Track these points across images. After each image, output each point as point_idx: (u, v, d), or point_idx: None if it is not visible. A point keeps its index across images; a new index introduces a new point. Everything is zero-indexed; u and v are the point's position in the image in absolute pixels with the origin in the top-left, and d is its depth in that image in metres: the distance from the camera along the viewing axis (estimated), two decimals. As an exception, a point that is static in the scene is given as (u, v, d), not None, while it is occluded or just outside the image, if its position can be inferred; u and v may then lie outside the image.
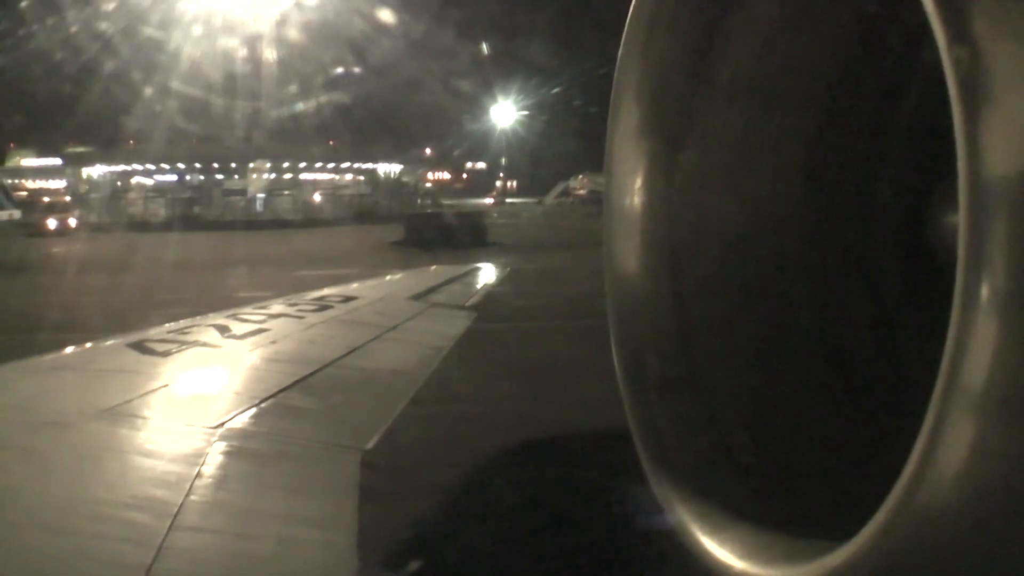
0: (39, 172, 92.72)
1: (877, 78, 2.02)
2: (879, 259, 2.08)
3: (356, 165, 76.94)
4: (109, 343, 4.62)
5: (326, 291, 7.22)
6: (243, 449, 3.12)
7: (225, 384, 4.04)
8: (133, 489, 2.67)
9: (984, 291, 1.13)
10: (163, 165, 74.47)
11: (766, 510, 1.81)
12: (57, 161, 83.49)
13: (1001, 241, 1.13)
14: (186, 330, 4.94)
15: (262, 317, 5.53)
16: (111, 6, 57.33)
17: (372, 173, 79.26)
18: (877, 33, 1.96)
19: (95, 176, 75.59)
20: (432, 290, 7.94)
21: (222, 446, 3.04)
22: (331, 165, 75.90)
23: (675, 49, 2.09)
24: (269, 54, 66.71)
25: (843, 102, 2.07)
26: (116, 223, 61.54)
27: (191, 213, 67.65)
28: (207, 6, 61.32)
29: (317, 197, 75.30)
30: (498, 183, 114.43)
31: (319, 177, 76.07)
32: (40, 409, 3.34)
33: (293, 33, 64.66)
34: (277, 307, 6.11)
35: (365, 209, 69.79)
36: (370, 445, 3.41)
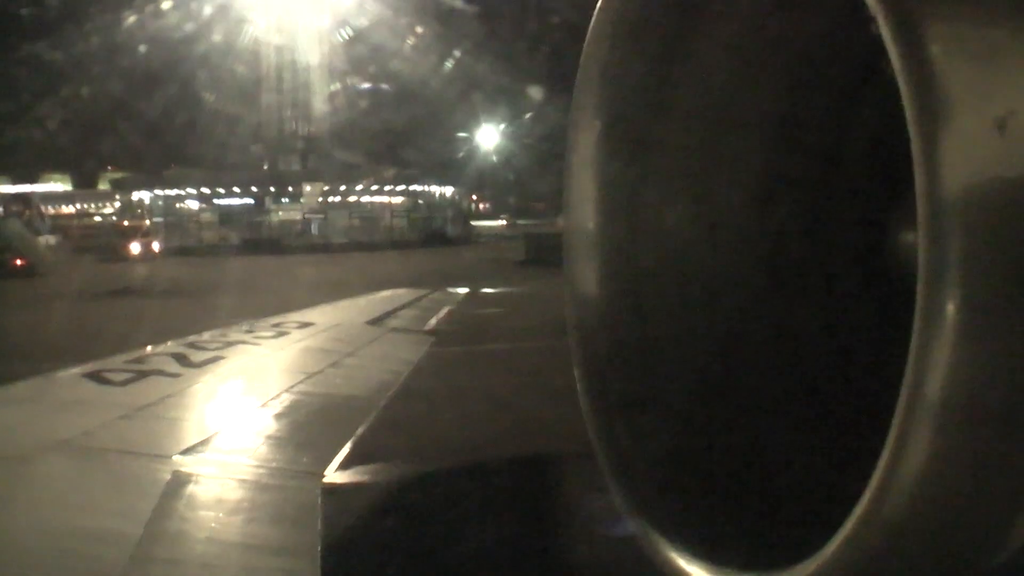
0: (84, 196, 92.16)
1: (833, 98, 2.06)
2: (839, 276, 2.12)
3: (412, 188, 76.56)
4: (64, 374, 4.56)
5: (282, 318, 7.17)
6: (202, 477, 3.09)
7: (183, 413, 4.00)
8: (91, 521, 2.63)
9: (944, 306, 1.16)
10: (218, 189, 74.08)
11: (729, 524, 1.84)
12: (94, 186, 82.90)
13: (959, 257, 1.16)
14: (143, 359, 4.88)
15: (220, 345, 5.48)
16: (157, 27, 57.10)
17: (428, 195, 79.01)
18: (833, 54, 2.00)
19: (147, 201, 74.76)
20: (389, 314, 7.92)
21: (180, 475, 3.01)
22: (388, 187, 75.50)
23: (632, 75, 2.12)
24: (320, 78, 67.00)
25: (800, 122, 2.11)
26: (192, 247, 61.22)
27: (265, 236, 67.26)
28: (260, 32, 61.62)
29: (382, 219, 75.03)
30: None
31: (379, 200, 75.63)
32: (-6, 442, 3.29)
33: (344, 58, 65.12)
34: (235, 334, 6.06)
35: (434, 231, 69.92)
36: (329, 471, 3.40)
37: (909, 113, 1.20)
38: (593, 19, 2.10)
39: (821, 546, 1.35)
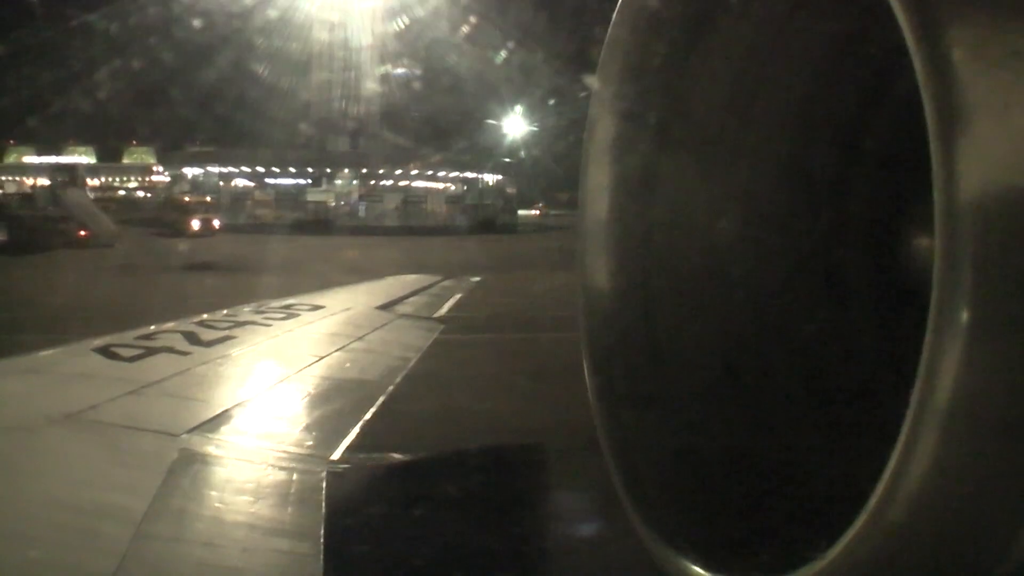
0: (117, 170, 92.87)
1: (851, 102, 2.05)
2: (852, 280, 2.11)
3: (459, 174, 76.64)
4: (74, 347, 4.57)
5: (293, 299, 7.18)
6: (208, 456, 3.10)
7: (191, 391, 4.01)
8: (96, 496, 2.64)
9: (958, 311, 1.15)
10: (272, 168, 74.49)
11: (733, 525, 1.83)
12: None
13: (976, 262, 1.15)
14: (153, 336, 4.89)
15: (230, 324, 5.49)
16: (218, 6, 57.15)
17: (475, 182, 79.35)
18: (856, 51, 1.98)
19: (200, 178, 75.03)
20: (400, 300, 7.92)
21: (187, 453, 3.01)
22: (435, 173, 75.61)
23: (653, 65, 2.11)
24: (371, 60, 67.24)
25: (817, 126, 2.10)
26: (245, 226, 61.03)
27: (318, 217, 67.00)
28: (315, 14, 61.64)
29: (433, 205, 75.23)
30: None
31: (426, 184, 75.75)
32: (2, 412, 3.30)
33: (396, 43, 65.32)
34: (245, 314, 6.07)
35: (486, 218, 69.68)
36: (335, 454, 3.40)
37: (929, 116, 1.19)
38: (617, 9, 2.09)
39: (825, 549, 1.35)
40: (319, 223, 63.20)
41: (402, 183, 74.81)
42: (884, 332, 2.01)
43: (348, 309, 7.26)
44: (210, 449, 3.17)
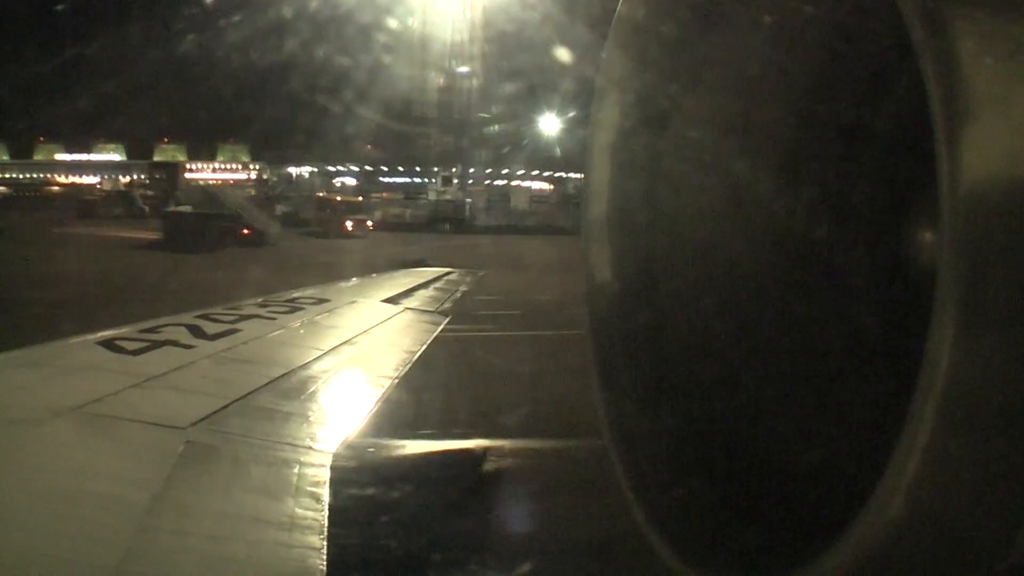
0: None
1: (856, 94, 2.04)
2: (856, 275, 2.10)
3: (552, 174, 76.78)
4: (78, 340, 4.58)
5: (298, 292, 7.19)
6: (213, 450, 3.11)
7: (195, 384, 4.01)
8: (101, 489, 2.64)
9: (962, 308, 1.14)
10: (381, 167, 74.57)
11: (735, 523, 1.83)
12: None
13: (981, 258, 1.14)
14: (157, 329, 4.90)
15: (234, 318, 5.50)
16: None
17: (562, 182, 79.43)
18: (857, 49, 1.98)
19: (305, 176, 75.27)
20: (406, 294, 7.93)
21: (191, 447, 3.02)
22: (540, 173, 75.88)
23: (660, 46, 2.10)
24: (472, 62, 67.30)
25: (820, 117, 2.09)
26: (386, 224, 60.28)
27: (450, 216, 66.37)
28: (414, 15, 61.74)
29: (558, 204, 74.60)
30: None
31: (542, 185, 75.95)
32: (6, 406, 3.30)
33: (499, 46, 65.24)
34: (249, 308, 6.07)
35: None
36: (339, 447, 3.41)
37: (935, 109, 1.18)
38: (616, 13, 2.09)
39: (826, 548, 1.34)
40: (451, 221, 62.96)
41: (507, 182, 74.97)
42: (888, 327, 2.00)
43: (353, 302, 7.28)
44: (216, 442, 3.18)
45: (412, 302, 7.60)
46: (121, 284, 23.51)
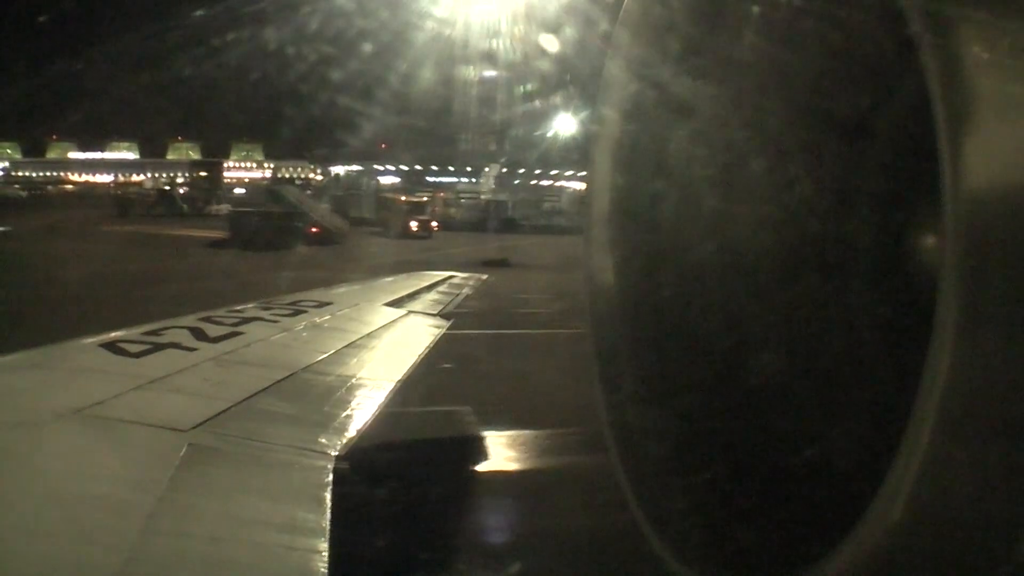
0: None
1: (861, 97, 2.04)
2: (860, 277, 2.10)
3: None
4: (81, 343, 4.58)
5: (301, 295, 7.19)
6: (215, 453, 3.10)
7: (197, 387, 4.01)
8: (104, 492, 2.64)
9: (964, 311, 1.14)
10: (430, 167, 74.75)
11: (736, 526, 1.82)
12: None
13: (983, 261, 1.14)
14: (159, 332, 4.90)
15: (236, 320, 5.50)
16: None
17: None
18: (861, 53, 1.97)
19: (352, 175, 75.39)
20: (408, 297, 7.93)
21: (194, 449, 3.02)
22: (582, 173, 75.91)
23: (665, 40, 2.10)
24: (517, 62, 67.12)
25: (823, 115, 2.09)
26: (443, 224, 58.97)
27: (502, 216, 65.72)
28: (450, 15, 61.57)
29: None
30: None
31: (575, 185, 75.82)
32: (8, 408, 3.30)
33: (533, 48, 64.82)
34: (251, 311, 6.07)
35: None
36: (342, 451, 3.41)
37: (937, 110, 1.18)
38: (620, 14, 2.09)
39: (829, 551, 1.34)
40: (501, 222, 62.15)
41: (553, 182, 74.91)
42: (890, 330, 2.00)
43: (356, 305, 7.27)
44: (218, 445, 3.17)
45: (416, 305, 7.59)
46: (227, 282, 23.50)
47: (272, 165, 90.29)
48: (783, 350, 2.14)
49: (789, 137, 2.13)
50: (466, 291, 9.09)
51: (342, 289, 8.57)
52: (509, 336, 16.82)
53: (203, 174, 77.00)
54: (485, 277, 11.63)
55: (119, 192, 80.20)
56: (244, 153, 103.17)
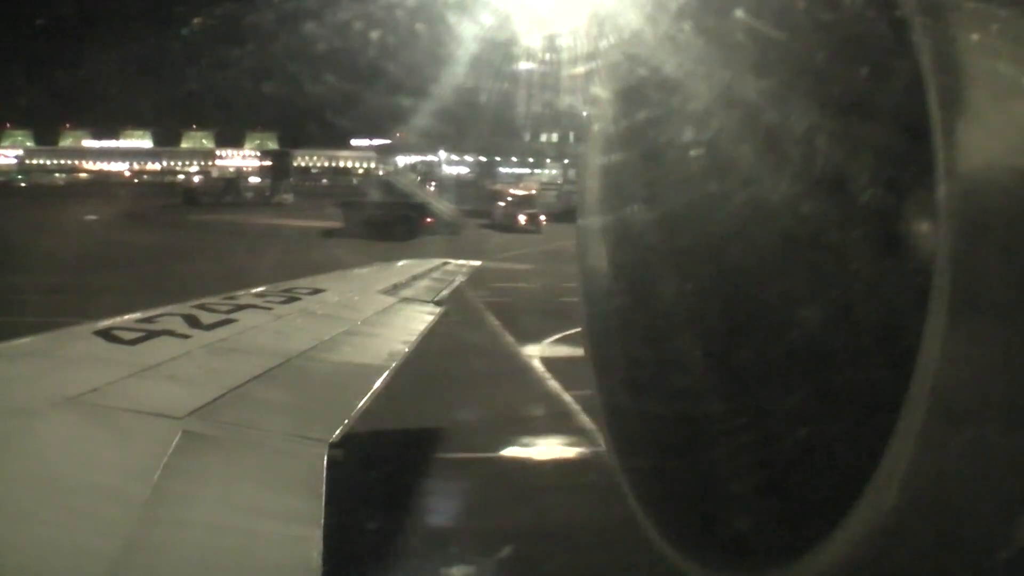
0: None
1: (854, 86, 2.03)
2: (852, 265, 2.10)
3: None
4: (75, 329, 4.57)
5: (294, 283, 7.17)
6: (209, 440, 3.11)
7: (191, 374, 4.01)
8: (99, 479, 2.65)
9: (959, 300, 1.14)
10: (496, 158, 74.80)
11: (729, 515, 1.83)
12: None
13: (978, 251, 1.14)
14: (153, 319, 4.90)
15: (230, 308, 5.49)
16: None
17: None
18: (855, 42, 1.97)
19: (424, 166, 75.47)
20: (402, 284, 7.92)
21: (188, 436, 3.02)
22: None
23: (647, 59, 2.10)
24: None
25: (818, 109, 2.08)
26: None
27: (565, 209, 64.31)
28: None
29: None
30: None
31: None
32: (3, 396, 3.30)
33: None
34: (245, 298, 6.07)
35: None
36: (335, 437, 3.41)
37: (931, 100, 1.18)
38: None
39: (822, 538, 1.35)
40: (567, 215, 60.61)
41: None
42: (884, 319, 2.01)
43: (350, 293, 7.26)
44: (212, 431, 3.17)
45: (409, 293, 7.59)
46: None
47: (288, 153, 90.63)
48: (777, 333, 2.15)
49: (783, 119, 2.13)
50: (459, 278, 9.08)
51: (336, 276, 8.55)
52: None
53: (271, 164, 76.92)
54: (479, 264, 11.62)
55: (186, 181, 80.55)
56: (258, 142, 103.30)
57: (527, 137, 76.38)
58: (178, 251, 29.66)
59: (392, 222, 37.92)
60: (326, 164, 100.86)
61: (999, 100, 1.18)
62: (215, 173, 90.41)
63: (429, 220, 41.31)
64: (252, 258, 26.19)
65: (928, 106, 1.18)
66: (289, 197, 68.78)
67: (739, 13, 2.05)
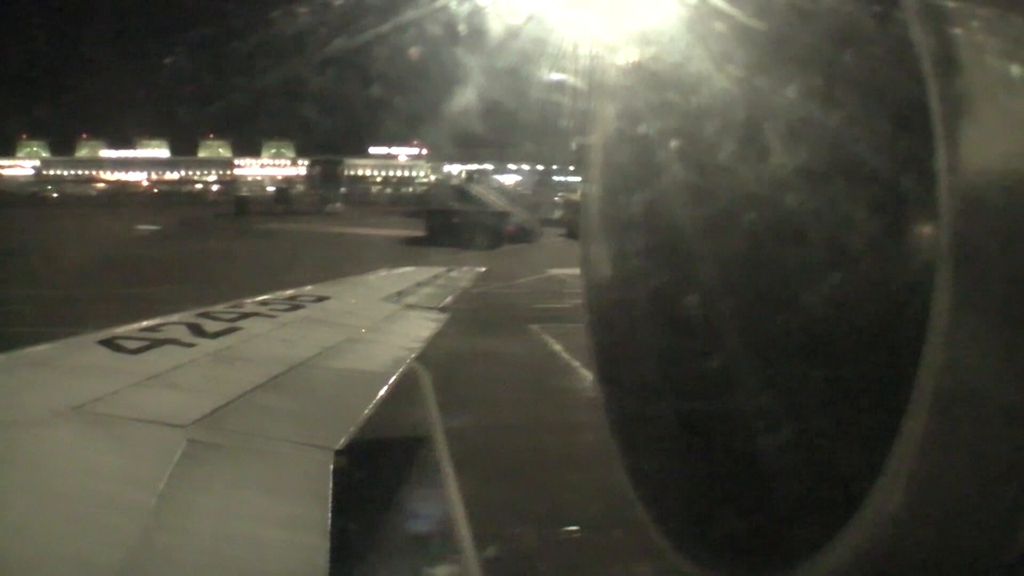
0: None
1: (856, 87, 2.03)
2: (858, 263, 2.10)
3: None
4: (79, 339, 4.58)
5: (298, 291, 7.19)
6: (214, 448, 3.11)
7: (196, 382, 4.01)
8: (104, 488, 2.64)
9: (961, 301, 1.14)
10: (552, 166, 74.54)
11: (736, 521, 1.82)
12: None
13: (979, 252, 1.14)
14: (157, 328, 4.90)
15: (234, 316, 5.50)
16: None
17: None
18: (856, 42, 1.97)
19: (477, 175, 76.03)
20: (406, 291, 7.93)
21: (193, 445, 3.02)
22: None
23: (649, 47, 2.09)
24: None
25: (820, 108, 2.08)
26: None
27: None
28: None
29: None
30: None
31: None
32: (8, 406, 3.30)
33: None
34: (249, 306, 6.07)
35: None
36: (341, 445, 3.40)
37: (932, 102, 1.18)
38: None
39: (825, 543, 1.34)
40: None
41: None
42: (889, 319, 2.00)
43: (354, 300, 7.27)
44: (217, 440, 3.17)
45: (413, 300, 7.60)
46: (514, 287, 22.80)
47: (305, 162, 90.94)
48: (781, 339, 2.14)
49: (788, 117, 2.12)
50: (463, 284, 9.09)
51: (340, 284, 8.56)
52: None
53: (321, 172, 77.40)
54: (483, 269, 11.62)
55: (236, 190, 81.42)
56: (274, 151, 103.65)
57: (574, 146, 76.75)
58: (276, 261, 28.89)
59: (478, 230, 37.08)
60: (373, 173, 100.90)
61: (1002, 99, 1.18)
62: (263, 182, 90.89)
63: (510, 228, 41.08)
64: (364, 268, 25.98)
65: (929, 104, 1.18)
66: (340, 206, 68.96)
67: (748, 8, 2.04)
